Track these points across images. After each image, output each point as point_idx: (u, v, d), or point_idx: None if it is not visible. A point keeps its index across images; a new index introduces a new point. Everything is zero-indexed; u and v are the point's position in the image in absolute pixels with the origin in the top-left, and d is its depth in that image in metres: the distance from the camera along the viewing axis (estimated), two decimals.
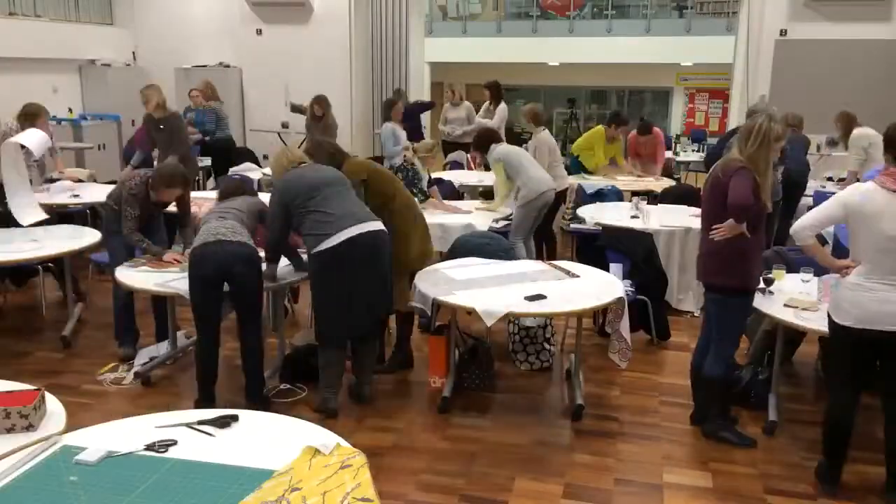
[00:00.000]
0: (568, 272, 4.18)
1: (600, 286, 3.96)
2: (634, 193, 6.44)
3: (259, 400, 3.80)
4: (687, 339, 4.98)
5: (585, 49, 15.31)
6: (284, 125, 9.42)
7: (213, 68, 10.43)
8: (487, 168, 8.32)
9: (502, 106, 8.41)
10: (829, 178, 7.56)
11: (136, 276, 4.10)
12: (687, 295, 5.49)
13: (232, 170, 7.83)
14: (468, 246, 4.74)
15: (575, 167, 8.01)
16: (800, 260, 4.32)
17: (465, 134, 8.65)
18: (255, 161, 8.53)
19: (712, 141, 10.05)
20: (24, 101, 5.92)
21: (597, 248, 5.02)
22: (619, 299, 3.81)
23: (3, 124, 5.72)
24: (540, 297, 3.72)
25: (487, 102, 8.57)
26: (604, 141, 7.68)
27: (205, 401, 3.73)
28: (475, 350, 4.28)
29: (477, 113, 8.76)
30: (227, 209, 3.91)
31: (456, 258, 4.57)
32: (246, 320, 3.77)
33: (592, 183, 7.03)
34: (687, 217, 5.67)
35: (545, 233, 6.24)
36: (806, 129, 6.99)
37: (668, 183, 7.40)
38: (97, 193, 6.19)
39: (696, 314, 5.44)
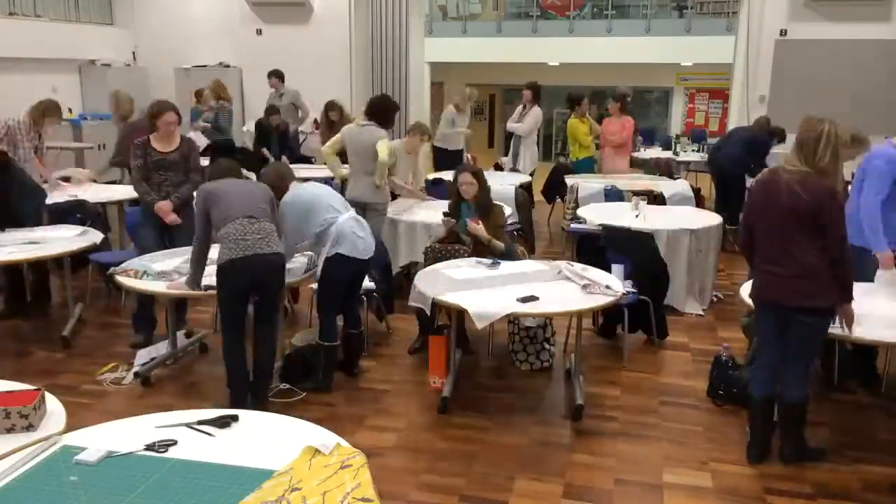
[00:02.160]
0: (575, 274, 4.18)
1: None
2: (635, 193, 6.43)
3: (261, 398, 3.80)
4: (687, 338, 4.98)
5: (585, 49, 15.30)
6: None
7: (213, 68, 10.44)
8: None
9: (536, 109, 8.02)
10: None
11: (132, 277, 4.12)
12: (691, 297, 5.49)
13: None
14: None
15: (579, 167, 8.03)
16: None
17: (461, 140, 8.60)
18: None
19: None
20: (24, 101, 5.93)
21: (597, 248, 5.00)
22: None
23: (12, 120, 5.74)
24: (532, 298, 3.72)
25: (521, 105, 8.13)
26: (580, 127, 7.96)
27: (237, 403, 3.68)
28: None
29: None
30: (253, 207, 3.76)
31: None
32: (266, 319, 3.84)
33: (592, 184, 7.03)
34: (691, 218, 5.67)
35: None
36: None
37: (668, 182, 7.40)
38: (98, 194, 6.20)
39: (701, 314, 5.45)
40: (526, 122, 7.95)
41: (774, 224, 3.20)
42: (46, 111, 5.87)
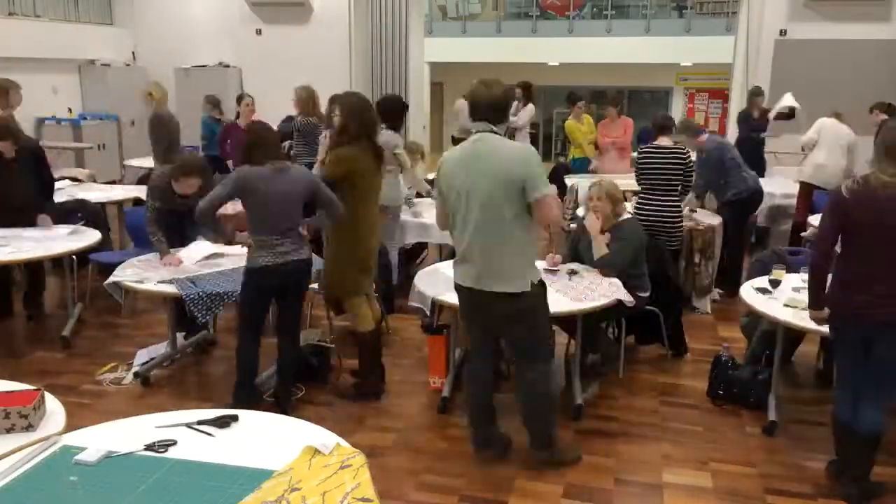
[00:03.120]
0: (571, 271, 4.17)
1: (598, 288, 3.96)
2: (634, 193, 6.41)
3: (285, 404, 3.78)
4: (687, 338, 4.96)
5: (585, 49, 15.32)
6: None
7: (212, 68, 10.45)
8: None
9: (530, 106, 8.45)
10: None
11: (132, 276, 4.11)
12: (701, 298, 5.52)
13: None
14: None
15: (575, 167, 8.05)
16: (798, 261, 4.33)
17: None
18: None
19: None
20: (24, 101, 5.94)
21: None
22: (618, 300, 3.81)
23: None
24: None
25: (516, 101, 8.64)
26: (577, 128, 8.20)
27: (248, 400, 3.64)
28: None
29: None
30: (287, 217, 3.64)
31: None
32: (288, 328, 3.82)
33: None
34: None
35: None
36: (805, 129, 6.99)
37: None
38: (98, 194, 6.22)
39: (708, 311, 5.50)
40: (521, 116, 8.49)
41: (889, 241, 2.94)
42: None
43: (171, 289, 3.93)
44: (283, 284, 3.69)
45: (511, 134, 8.60)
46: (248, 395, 3.73)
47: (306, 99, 6.67)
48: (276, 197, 3.58)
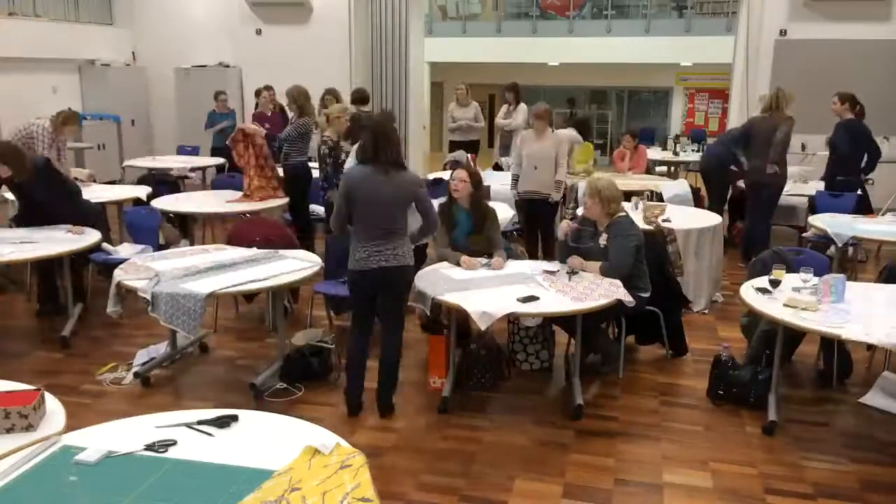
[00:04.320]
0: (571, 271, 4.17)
1: (597, 288, 3.96)
2: (634, 193, 6.41)
3: (384, 402, 3.88)
4: (687, 338, 4.96)
5: (585, 49, 15.31)
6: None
7: (212, 68, 10.45)
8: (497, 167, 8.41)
9: (523, 106, 8.51)
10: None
11: (135, 278, 4.11)
12: (700, 298, 5.53)
13: None
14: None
15: None
16: (798, 260, 4.33)
17: (473, 131, 9.11)
18: None
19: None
20: (24, 101, 5.97)
21: None
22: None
23: (34, 125, 5.93)
24: (532, 298, 3.72)
25: (507, 104, 8.66)
26: (583, 153, 8.17)
27: (353, 403, 3.86)
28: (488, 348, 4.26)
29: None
30: (381, 223, 3.64)
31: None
32: (386, 328, 3.87)
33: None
34: (695, 218, 5.67)
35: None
36: (806, 129, 6.99)
37: (668, 182, 7.40)
38: (97, 193, 6.22)
39: (705, 312, 5.50)
40: (517, 118, 8.50)
41: None
42: (66, 121, 6.17)
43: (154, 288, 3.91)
44: (374, 290, 3.75)
45: (508, 136, 8.62)
46: (353, 389, 3.87)
47: (298, 97, 6.63)
48: (373, 196, 3.62)
